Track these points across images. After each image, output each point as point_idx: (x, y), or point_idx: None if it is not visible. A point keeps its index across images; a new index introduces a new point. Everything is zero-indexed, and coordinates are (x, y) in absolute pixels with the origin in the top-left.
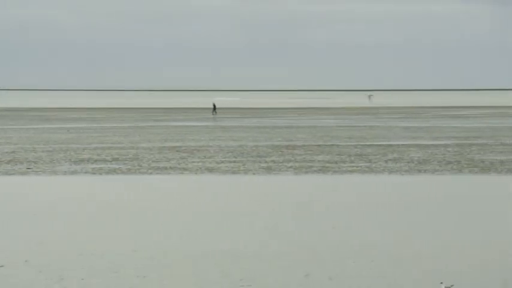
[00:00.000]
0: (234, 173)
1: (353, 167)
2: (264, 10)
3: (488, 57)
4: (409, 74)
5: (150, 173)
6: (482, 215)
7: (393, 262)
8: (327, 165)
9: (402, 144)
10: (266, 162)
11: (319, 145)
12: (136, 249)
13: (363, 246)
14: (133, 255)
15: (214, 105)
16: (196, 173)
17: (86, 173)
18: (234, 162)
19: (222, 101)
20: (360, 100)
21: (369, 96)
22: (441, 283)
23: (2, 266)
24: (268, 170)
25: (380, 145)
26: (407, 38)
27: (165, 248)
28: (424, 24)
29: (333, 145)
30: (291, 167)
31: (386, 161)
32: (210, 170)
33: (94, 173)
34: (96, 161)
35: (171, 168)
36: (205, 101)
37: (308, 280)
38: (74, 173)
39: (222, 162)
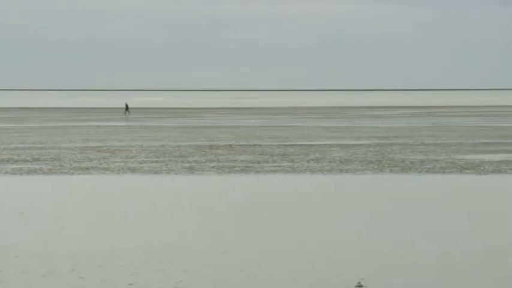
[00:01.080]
0: (156, 172)
1: (276, 166)
2: (188, 11)
3: (413, 58)
4: (333, 73)
5: (72, 173)
6: (402, 214)
7: (328, 261)
8: (250, 165)
9: (324, 144)
10: (189, 162)
11: (241, 145)
12: (61, 250)
13: (294, 245)
14: (61, 255)
15: (126, 105)
16: (118, 173)
17: (5, 173)
18: (157, 162)
19: (145, 100)
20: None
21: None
22: (358, 282)
23: None
24: (191, 169)
25: (302, 145)
26: (328, 38)
27: (88, 248)
28: (346, 24)
29: (255, 145)
30: (213, 167)
31: (308, 161)
32: (132, 170)
33: (14, 173)
34: (16, 161)
35: (92, 168)
36: (128, 100)
37: (244, 279)
38: None
39: (144, 162)
